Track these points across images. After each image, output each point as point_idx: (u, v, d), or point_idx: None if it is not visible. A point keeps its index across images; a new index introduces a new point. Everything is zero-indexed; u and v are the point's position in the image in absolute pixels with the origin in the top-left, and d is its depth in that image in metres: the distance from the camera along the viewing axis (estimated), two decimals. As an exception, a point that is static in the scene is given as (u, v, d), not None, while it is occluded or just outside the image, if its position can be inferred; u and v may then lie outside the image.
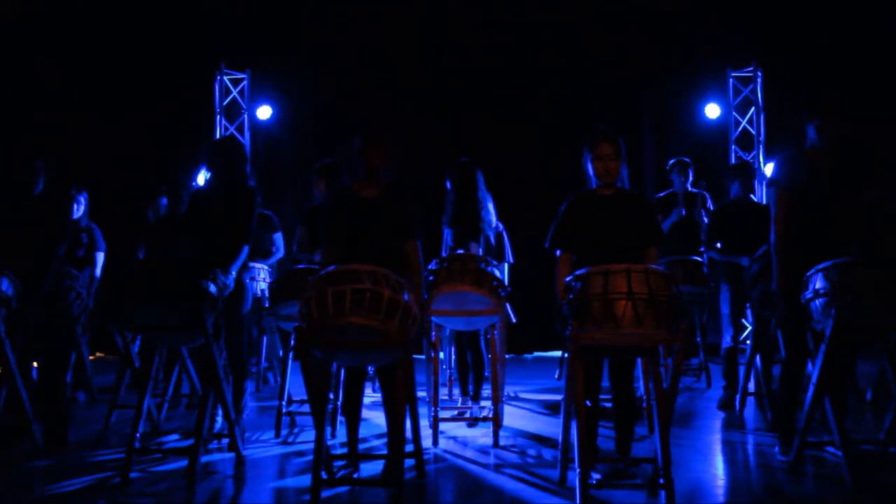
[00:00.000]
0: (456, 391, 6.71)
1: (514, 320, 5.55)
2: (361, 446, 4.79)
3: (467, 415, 5.75)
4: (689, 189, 7.56)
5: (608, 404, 4.48)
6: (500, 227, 6.29)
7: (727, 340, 6.38)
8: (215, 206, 4.98)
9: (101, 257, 7.01)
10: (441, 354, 6.18)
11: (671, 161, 7.72)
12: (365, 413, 5.48)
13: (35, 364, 5.34)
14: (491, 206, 6.14)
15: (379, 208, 4.46)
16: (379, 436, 5.24)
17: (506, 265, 6.39)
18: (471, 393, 5.96)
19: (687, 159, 7.64)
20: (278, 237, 6.82)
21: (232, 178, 5.03)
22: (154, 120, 9.82)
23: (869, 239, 4.47)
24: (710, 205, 7.54)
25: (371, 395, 6.44)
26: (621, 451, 4.35)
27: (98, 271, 6.98)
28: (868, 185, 5.76)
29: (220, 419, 5.18)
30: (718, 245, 6.34)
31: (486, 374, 6.06)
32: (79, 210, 6.81)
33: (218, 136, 10.22)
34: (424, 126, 9.95)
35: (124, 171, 9.43)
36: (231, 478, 4.49)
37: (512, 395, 7.03)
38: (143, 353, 4.98)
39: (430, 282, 5.12)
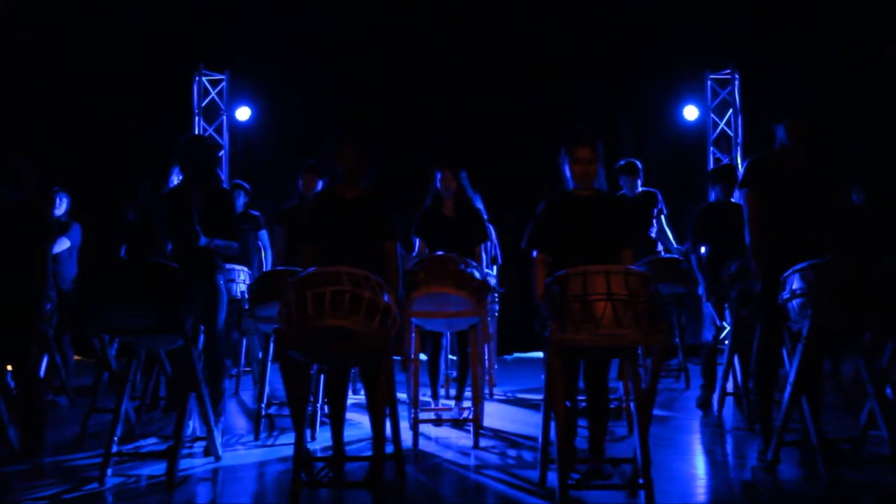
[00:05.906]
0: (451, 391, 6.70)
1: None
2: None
3: (447, 416, 5.75)
4: (638, 191, 7.44)
5: (583, 404, 4.49)
6: (489, 226, 6.27)
7: (708, 337, 6.40)
8: (191, 206, 4.95)
9: (63, 242, 6.77)
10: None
11: (621, 162, 7.50)
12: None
13: (9, 367, 5.27)
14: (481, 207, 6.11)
15: (360, 210, 4.46)
16: (360, 440, 5.23)
17: (494, 267, 6.36)
18: (454, 394, 5.96)
19: (638, 164, 7.44)
20: (264, 235, 7.09)
21: (207, 177, 5.04)
22: (131, 121, 9.73)
23: (842, 239, 4.51)
24: (661, 205, 7.51)
25: (350, 398, 6.42)
26: (595, 451, 4.36)
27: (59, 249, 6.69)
28: (844, 185, 5.82)
29: (191, 423, 5.11)
30: (704, 248, 6.37)
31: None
32: (60, 208, 6.80)
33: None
34: (403, 126, 9.93)
35: (101, 171, 9.35)
36: (210, 481, 4.46)
37: (490, 395, 7.03)
38: (121, 355, 4.94)
39: (409, 283, 5.11)
